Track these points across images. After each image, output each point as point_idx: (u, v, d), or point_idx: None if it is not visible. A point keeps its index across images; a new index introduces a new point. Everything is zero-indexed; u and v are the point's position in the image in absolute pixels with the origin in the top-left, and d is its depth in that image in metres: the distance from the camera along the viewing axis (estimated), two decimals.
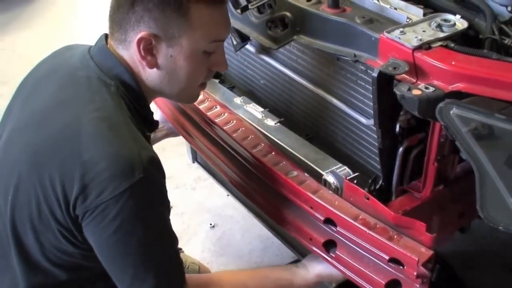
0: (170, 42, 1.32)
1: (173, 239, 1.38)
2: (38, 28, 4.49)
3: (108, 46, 1.40)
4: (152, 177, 1.27)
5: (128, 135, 1.29)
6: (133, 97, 1.38)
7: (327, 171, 1.59)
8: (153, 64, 1.35)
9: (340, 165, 1.61)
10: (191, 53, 1.35)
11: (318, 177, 1.59)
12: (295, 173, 1.61)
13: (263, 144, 1.72)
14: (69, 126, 1.30)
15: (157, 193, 1.31)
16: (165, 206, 1.35)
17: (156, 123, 1.52)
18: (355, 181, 1.52)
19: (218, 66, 1.45)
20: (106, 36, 1.42)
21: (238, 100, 1.98)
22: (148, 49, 1.33)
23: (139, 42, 1.31)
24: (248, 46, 1.91)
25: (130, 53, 1.36)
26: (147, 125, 1.46)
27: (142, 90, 1.40)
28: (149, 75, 1.38)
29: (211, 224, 2.62)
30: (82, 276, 1.42)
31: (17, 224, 1.36)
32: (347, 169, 1.59)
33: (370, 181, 1.58)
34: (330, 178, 1.55)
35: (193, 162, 2.37)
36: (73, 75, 1.39)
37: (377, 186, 1.56)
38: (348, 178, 1.52)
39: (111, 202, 1.22)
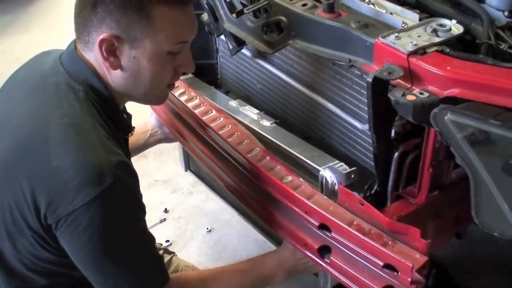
0: (132, 44, 1.31)
1: (150, 238, 1.38)
2: (36, 31, 4.48)
3: (76, 50, 1.39)
4: (122, 181, 1.26)
5: (96, 140, 1.28)
6: (102, 101, 1.37)
7: (324, 166, 1.57)
8: (117, 66, 1.34)
9: (337, 161, 1.59)
10: (154, 54, 1.33)
11: (315, 173, 1.58)
12: (289, 178, 1.60)
13: (258, 149, 1.72)
14: (37, 133, 1.30)
15: (129, 196, 1.31)
16: (139, 208, 1.34)
17: (130, 126, 1.50)
18: (352, 176, 1.51)
19: (184, 67, 1.43)
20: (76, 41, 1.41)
21: (233, 103, 1.98)
22: (110, 50, 1.31)
23: (100, 43, 1.30)
24: (244, 51, 1.91)
25: (94, 54, 1.35)
26: (121, 128, 1.45)
27: (112, 94, 1.39)
28: (114, 77, 1.37)
29: (207, 229, 2.62)
30: (61, 282, 1.42)
31: None
32: (344, 165, 1.57)
33: (365, 187, 1.57)
34: (328, 173, 1.54)
35: (186, 171, 2.35)
36: (43, 82, 1.39)
37: (372, 192, 1.55)
38: (345, 172, 1.51)
39: (83, 209, 1.21)
